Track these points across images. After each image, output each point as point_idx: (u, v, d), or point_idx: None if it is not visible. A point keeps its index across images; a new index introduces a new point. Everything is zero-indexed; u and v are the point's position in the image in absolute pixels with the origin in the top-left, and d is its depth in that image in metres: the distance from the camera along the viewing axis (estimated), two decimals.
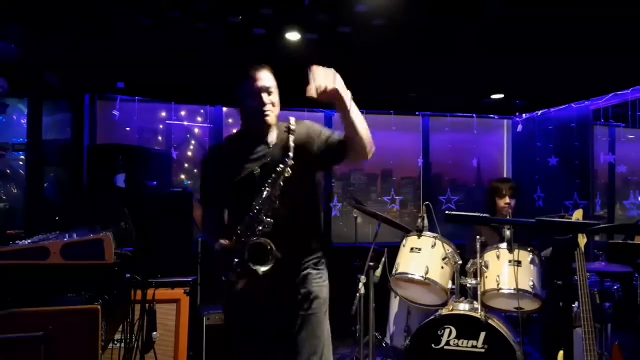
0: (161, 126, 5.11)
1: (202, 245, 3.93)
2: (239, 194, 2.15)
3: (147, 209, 3.42)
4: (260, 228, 2.00)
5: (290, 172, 2.02)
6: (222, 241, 2.06)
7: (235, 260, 2.00)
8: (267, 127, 2.16)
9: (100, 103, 4.66)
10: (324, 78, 1.90)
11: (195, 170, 5.31)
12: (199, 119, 5.24)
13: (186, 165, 5.27)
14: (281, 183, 2.02)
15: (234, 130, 2.46)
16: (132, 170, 3.80)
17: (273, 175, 2.03)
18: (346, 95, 1.96)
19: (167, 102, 4.91)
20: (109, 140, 4.59)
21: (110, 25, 3.40)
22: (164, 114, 5.05)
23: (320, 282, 2.23)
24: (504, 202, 3.82)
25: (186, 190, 4.47)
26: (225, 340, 3.49)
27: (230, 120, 5.29)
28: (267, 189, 2.03)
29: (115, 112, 4.61)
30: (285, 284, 2.15)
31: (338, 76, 1.94)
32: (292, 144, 2.02)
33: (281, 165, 2.02)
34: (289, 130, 2.04)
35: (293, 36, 3.61)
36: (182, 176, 5.25)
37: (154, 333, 3.15)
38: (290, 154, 2.01)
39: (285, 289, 2.16)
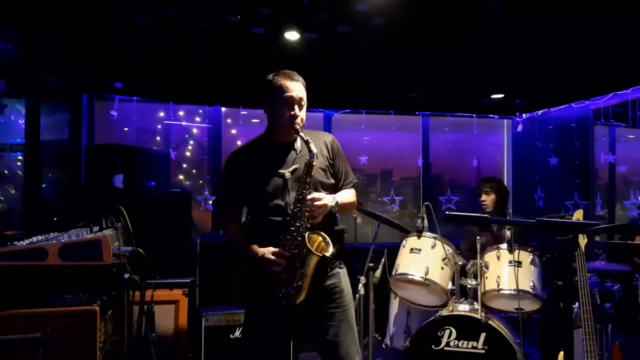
0: (159, 126, 5.09)
1: (201, 246, 3.91)
2: (269, 199, 2.23)
3: (145, 209, 3.40)
4: (302, 224, 2.13)
5: (314, 165, 2.16)
6: (272, 250, 2.16)
7: (302, 271, 2.11)
8: (296, 136, 2.27)
9: (98, 103, 4.65)
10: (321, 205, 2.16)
11: (194, 171, 5.29)
12: (197, 119, 5.22)
13: (184, 165, 5.25)
14: (309, 184, 2.16)
15: (247, 137, 2.56)
16: (130, 170, 3.79)
17: (302, 176, 2.17)
18: (333, 202, 2.21)
19: (165, 102, 4.90)
20: (107, 141, 4.57)
21: (109, 25, 3.39)
22: (162, 114, 5.03)
23: (346, 279, 2.39)
24: (481, 199, 4.04)
25: (185, 190, 4.45)
26: (226, 343, 3.48)
27: (229, 121, 5.28)
28: (298, 189, 2.16)
29: (114, 113, 4.60)
30: (322, 283, 2.26)
31: (316, 195, 2.18)
32: (313, 148, 2.15)
33: (307, 164, 2.16)
34: (307, 142, 2.17)
35: (292, 36, 3.60)
36: (181, 177, 5.23)
37: (153, 334, 3.13)
38: (314, 149, 2.14)
39: (323, 288, 2.26)
